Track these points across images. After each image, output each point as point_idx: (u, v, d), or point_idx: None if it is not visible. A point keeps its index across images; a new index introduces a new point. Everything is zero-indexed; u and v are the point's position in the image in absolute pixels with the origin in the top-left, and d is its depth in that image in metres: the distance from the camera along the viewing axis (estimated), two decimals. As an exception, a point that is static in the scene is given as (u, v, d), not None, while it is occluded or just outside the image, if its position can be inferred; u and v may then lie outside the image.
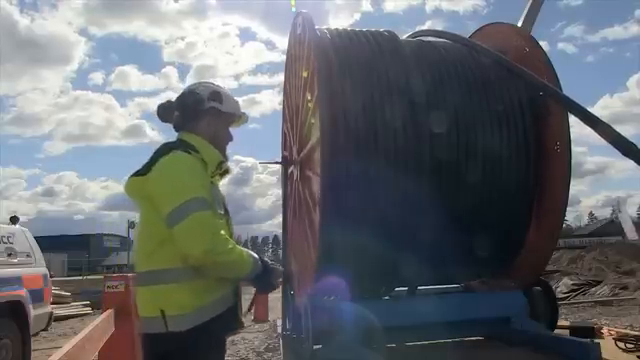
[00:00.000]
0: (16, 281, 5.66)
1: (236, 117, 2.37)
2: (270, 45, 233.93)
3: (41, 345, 7.57)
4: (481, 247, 5.17)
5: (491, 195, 5.36)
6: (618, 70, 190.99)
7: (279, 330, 7.86)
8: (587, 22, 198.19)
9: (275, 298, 10.49)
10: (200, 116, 2.22)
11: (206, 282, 1.97)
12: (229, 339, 7.80)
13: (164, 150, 2.10)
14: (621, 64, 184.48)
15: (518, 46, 5.85)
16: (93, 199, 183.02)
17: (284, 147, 7.37)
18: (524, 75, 5.13)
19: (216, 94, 2.24)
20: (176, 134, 2.41)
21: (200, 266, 1.91)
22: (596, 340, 4.86)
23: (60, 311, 11.96)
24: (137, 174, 2.09)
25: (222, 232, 1.93)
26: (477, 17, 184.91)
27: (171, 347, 1.90)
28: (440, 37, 6.11)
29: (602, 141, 4.37)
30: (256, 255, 2.11)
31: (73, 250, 59.29)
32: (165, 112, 2.31)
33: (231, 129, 2.49)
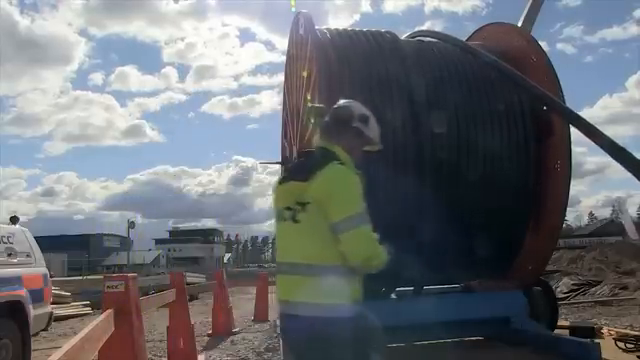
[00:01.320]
0: (16, 281, 5.66)
1: (373, 143, 2.56)
2: (270, 46, 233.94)
3: (41, 345, 7.57)
4: (481, 247, 5.17)
5: (491, 195, 5.36)
6: (617, 70, 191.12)
7: (279, 330, 7.86)
8: (586, 23, 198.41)
9: (275, 298, 10.49)
10: (345, 131, 2.44)
11: (356, 278, 2.38)
12: (229, 339, 7.82)
13: (320, 160, 2.33)
14: (620, 65, 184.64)
15: (518, 46, 5.85)
16: (93, 199, 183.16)
17: (283, 147, 7.37)
18: (520, 81, 5.10)
19: (364, 117, 2.50)
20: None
21: (356, 267, 2.30)
22: (596, 340, 4.86)
23: (60, 311, 11.95)
24: (294, 179, 2.35)
25: (376, 241, 2.29)
26: (476, 18, 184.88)
27: (325, 330, 2.20)
28: (439, 39, 6.10)
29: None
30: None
31: (73, 250, 59.37)
32: (319, 112, 2.62)
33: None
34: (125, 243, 58.58)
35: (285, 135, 6.83)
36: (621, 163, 4.15)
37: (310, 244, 2.28)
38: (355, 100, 2.64)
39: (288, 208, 2.33)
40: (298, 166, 2.50)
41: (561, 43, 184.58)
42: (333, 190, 2.25)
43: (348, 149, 2.44)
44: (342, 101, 2.57)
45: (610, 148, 4.22)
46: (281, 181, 2.48)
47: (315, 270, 2.26)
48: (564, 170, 5.38)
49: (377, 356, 2.44)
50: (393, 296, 6.17)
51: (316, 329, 2.23)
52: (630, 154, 4.14)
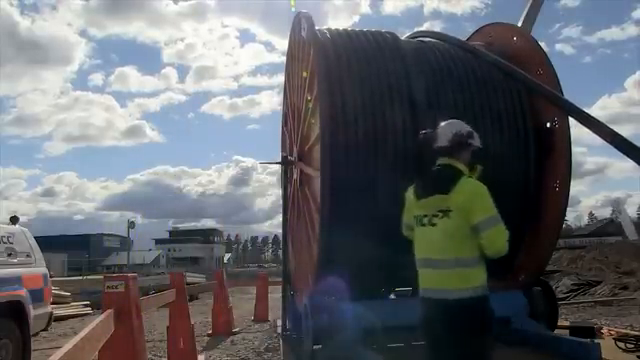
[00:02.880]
0: (16, 281, 5.66)
1: (475, 149, 3.09)
2: (269, 46, 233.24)
3: (41, 345, 7.56)
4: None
5: (491, 195, 5.36)
6: (616, 71, 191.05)
7: (279, 330, 7.87)
8: (584, 23, 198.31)
9: (275, 298, 10.50)
10: (464, 150, 3.01)
11: (484, 267, 2.87)
12: (229, 339, 7.81)
13: (452, 176, 2.89)
14: (618, 65, 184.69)
15: (518, 46, 5.85)
16: (93, 199, 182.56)
17: (283, 147, 7.38)
18: (521, 78, 5.12)
19: (471, 133, 3.07)
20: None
21: (489, 256, 2.82)
22: (596, 340, 4.86)
23: (60, 311, 11.94)
24: (436, 192, 2.90)
25: (507, 236, 2.81)
26: (475, 19, 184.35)
27: (464, 309, 2.78)
28: (439, 39, 6.10)
29: (601, 141, 4.38)
30: None
31: (73, 250, 59.34)
32: (430, 138, 3.09)
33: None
34: (125, 243, 58.54)
35: (285, 123, 6.84)
36: (627, 154, 4.19)
37: (450, 242, 2.83)
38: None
39: (426, 215, 2.94)
40: (432, 181, 2.98)
41: (560, 44, 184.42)
42: (474, 198, 2.81)
43: (466, 162, 3.01)
44: (451, 124, 3.09)
45: (614, 140, 4.25)
46: (418, 195, 3.05)
47: (455, 263, 2.82)
48: (564, 170, 5.38)
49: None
50: (392, 296, 6.17)
51: (458, 308, 2.78)
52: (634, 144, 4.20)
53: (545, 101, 5.36)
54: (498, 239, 2.80)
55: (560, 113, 5.32)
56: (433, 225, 2.89)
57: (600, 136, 4.36)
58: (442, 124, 3.10)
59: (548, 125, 5.54)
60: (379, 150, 5.09)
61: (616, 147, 4.23)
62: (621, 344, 5.36)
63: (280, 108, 7.31)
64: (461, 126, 3.07)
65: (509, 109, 5.58)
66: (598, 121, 4.44)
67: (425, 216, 2.95)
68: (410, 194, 3.15)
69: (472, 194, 2.83)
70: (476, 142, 3.06)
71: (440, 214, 2.86)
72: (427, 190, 2.99)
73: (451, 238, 2.83)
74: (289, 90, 6.95)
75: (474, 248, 2.82)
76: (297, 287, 6.51)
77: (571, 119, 5.28)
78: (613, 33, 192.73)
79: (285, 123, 7.34)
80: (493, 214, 2.81)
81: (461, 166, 2.97)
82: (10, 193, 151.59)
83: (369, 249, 5.08)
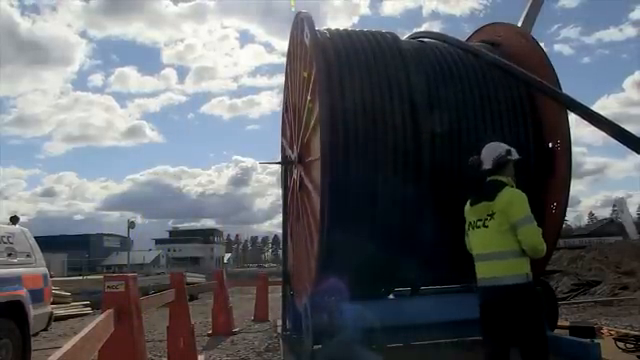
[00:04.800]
0: (16, 281, 5.66)
1: (515, 160, 3.79)
2: (269, 47, 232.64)
3: (41, 345, 7.56)
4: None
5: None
6: (614, 72, 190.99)
7: (279, 330, 7.86)
8: (583, 24, 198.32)
9: (275, 298, 10.49)
10: (505, 167, 3.72)
11: (527, 259, 3.51)
12: (229, 339, 7.82)
13: (498, 187, 3.60)
14: (617, 66, 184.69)
15: (518, 46, 5.85)
16: (93, 199, 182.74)
17: (283, 150, 7.37)
18: (522, 76, 5.12)
19: (509, 151, 3.75)
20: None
21: (527, 250, 3.48)
22: (596, 340, 4.86)
23: (60, 311, 11.94)
24: (484, 200, 3.62)
25: (541, 234, 3.53)
26: (474, 19, 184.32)
27: (514, 293, 3.44)
28: (439, 40, 6.10)
29: (601, 141, 4.40)
30: None
31: (73, 250, 59.31)
32: (476, 162, 3.79)
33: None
34: (125, 243, 58.52)
35: (285, 124, 6.84)
36: (628, 146, 4.20)
37: (498, 238, 3.53)
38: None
39: (479, 219, 3.67)
40: (483, 192, 3.68)
41: (558, 44, 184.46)
42: (512, 202, 3.51)
43: (510, 174, 3.74)
44: (491, 150, 3.76)
45: (614, 131, 4.27)
46: (472, 203, 3.77)
47: (502, 255, 3.51)
48: (564, 170, 5.38)
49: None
50: (391, 296, 6.17)
51: (508, 292, 3.45)
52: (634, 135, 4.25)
53: (546, 98, 5.37)
54: (532, 235, 3.46)
55: (560, 111, 5.32)
56: (486, 227, 3.62)
57: (602, 130, 4.38)
58: (484, 150, 3.81)
59: (548, 125, 5.54)
60: (379, 150, 5.09)
61: (621, 141, 4.24)
62: (621, 344, 5.37)
63: (280, 108, 7.31)
64: (499, 149, 3.75)
65: (509, 109, 5.58)
66: (600, 115, 4.44)
67: (479, 220, 3.68)
68: (467, 206, 3.86)
69: (510, 199, 3.53)
70: (514, 156, 3.78)
71: (488, 217, 3.59)
72: (478, 200, 3.72)
73: (498, 235, 3.52)
74: (289, 90, 6.95)
75: (516, 242, 3.47)
76: (297, 287, 6.51)
77: (571, 119, 5.29)
78: (611, 34, 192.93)
79: (284, 123, 7.34)
80: (527, 214, 3.49)
81: (504, 178, 3.69)
82: (10, 193, 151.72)
83: (369, 249, 5.08)
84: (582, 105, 4.61)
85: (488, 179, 3.72)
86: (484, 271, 3.64)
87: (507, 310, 3.47)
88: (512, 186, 3.67)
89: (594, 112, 4.51)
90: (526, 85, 5.45)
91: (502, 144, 3.83)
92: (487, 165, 3.73)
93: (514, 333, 3.48)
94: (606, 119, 4.41)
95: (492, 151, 3.77)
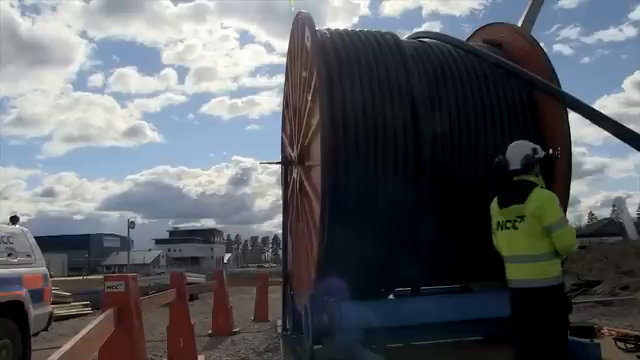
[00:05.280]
0: (16, 281, 5.66)
1: (541, 158, 3.77)
2: (269, 48, 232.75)
3: (41, 345, 7.55)
4: (480, 247, 5.16)
5: (491, 195, 5.35)
6: (614, 72, 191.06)
7: (279, 330, 7.86)
8: (583, 24, 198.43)
9: (275, 298, 10.49)
10: (533, 166, 3.70)
11: (558, 261, 3.57)
12: (229, 339, 7.81)
13: (528, 187, 3.59)
14: (616, 66, 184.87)
15: (518, 46, 5.85)
16: (93, 199, 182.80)
17: (283, 148, 7.37)
18: (526, 76, 5.12)
19: (536, 149, 3.75)
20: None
21: (561, 252, 3.52)
22: (596, 340, 4.86)
23: (60, 311, 11.93)
24: (514, 203, 3.61)
25: (574, 235, 3.58)
26: (474, 20, 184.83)
27: (545, 295, 3.48)
28: (439, 40, 6.10)
29: (601, 141, 4.41)
30: None
31: (73, 250, 59.36)
32: (502, 163, 3.77)
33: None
34: (125, 243, 58.53)
35: (285, 124, 6.83)
36: (632, 145, 4.21)
37: (529, 241, 3.53)
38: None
39: (509, 221, 3.64)
40: (512, 194, 3.67)
41: (558, 44, 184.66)
42: (544, 205, 3.50)
43: (537, 172, 3.73)
44: (517, 149, 3.75)
45: (618, 131, 4.27)
46: (501, 205, 3.74)
47: (534, 258, 3.51)
48: (564, 170, 5.38)
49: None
50: (391, 296, 6.17)
51: (540, 294, 3.47)
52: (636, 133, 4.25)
53: (546, 100, 5.36)
54: (567, 238, 3.49)
55: (561, 111, 5.31)
56: (516, 229, 3.60)
57: (606, 129, 4.38)
58: (509, 150, 3.79)
59: (549, 125, 5.54)
60: (379, 150, 5.08)
61: (625, 140, 4.23)
62: (621, 344, 5.36)
63: (279, 108, 7.30)
64: (526, 148, 3.73)
65: (510, 109, 5.57)
66: (601, 113, 4.44)
67: (508, 221, 3.66)
68: (494, 205, 3.83)
69: (542, 203, 3.51)
70: (540, 153, 3.76)
71: (519, 219, 3.57)
72: (507, 202, 3.70)
73: (529, 237, 3.53)
74: (289, 90, 6.95)
75: (548, 245, 3.48)
76: (297, 287, 6.51)
77: (571, 119, 5.28)
78: (611, 34, 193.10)
79: (284, 124, 7.34)
80: (560, 217, 3.53)
81: (533, 178, 3.68)
82: (10, 193, 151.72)
83: (369, 249, 5.08)
84: (585, 105, 4.61)
85: (516, 179, 3.70)
86: (515, 273, 3.64)
87: (538, 311, 3.50)
88: (542, 186, 3.66)
89: (597, 111, 4.50)
90: (529, 85, 5.44)
91: (526, 142, 3.81)
92: (515, 165, 3.71)
93: (541, 333, 3.50)
94: (609, 118, 4.41)
95: (518, 151, 3.74)
